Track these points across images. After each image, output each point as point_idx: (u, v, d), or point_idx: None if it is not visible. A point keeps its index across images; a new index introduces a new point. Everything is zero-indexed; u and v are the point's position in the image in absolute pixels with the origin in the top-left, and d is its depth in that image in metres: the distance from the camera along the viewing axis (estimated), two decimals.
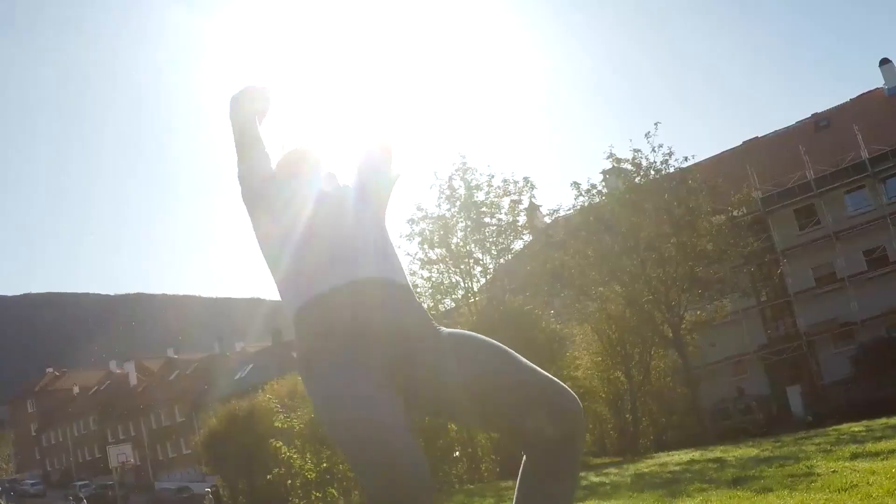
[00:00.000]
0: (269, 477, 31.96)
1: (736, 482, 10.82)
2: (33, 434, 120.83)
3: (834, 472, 9.28)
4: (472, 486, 30.70)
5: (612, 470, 22.58)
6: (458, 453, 37.08)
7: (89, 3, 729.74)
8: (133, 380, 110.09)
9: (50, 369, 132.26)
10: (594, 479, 19.79)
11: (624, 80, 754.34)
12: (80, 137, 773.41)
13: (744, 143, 67.73)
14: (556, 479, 3.03)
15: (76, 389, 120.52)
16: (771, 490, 8.91)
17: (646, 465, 21.49)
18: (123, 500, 72.63)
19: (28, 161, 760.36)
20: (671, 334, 41.90)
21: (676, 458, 22.71)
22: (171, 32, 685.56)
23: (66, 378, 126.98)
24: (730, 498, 8.69)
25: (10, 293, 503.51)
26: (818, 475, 9.39)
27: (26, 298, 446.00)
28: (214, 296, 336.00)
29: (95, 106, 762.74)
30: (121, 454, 63.67)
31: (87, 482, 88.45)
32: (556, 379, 3.13)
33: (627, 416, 42.71)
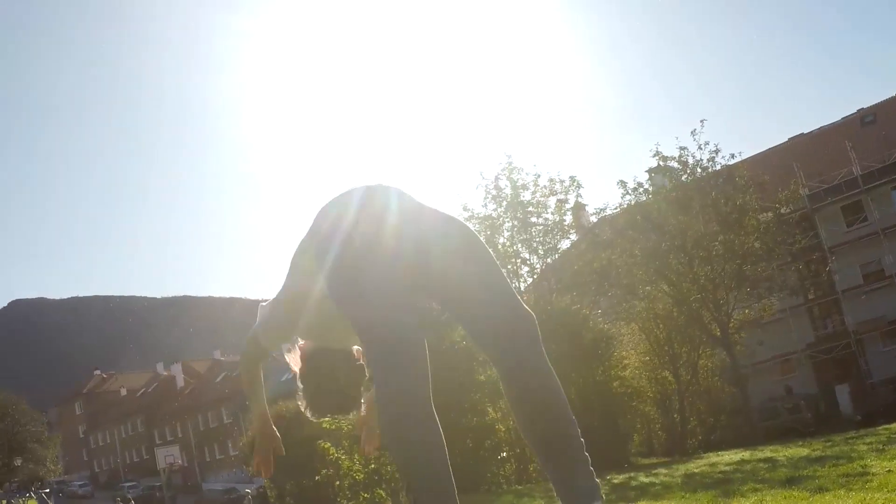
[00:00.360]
0: (316, 478, 31.92)
1: (790, 482, 10.72)
2: (81, 436, 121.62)
3: (889, 471, 9.16)
4: (520, 487, 30.64)
5: (662, 470, 22.47)
6: (505, 454, 37.01)
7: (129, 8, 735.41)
8: (180, 381, 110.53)
9: (97, 371, 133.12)
10: (644, 479, 19.69)
11: (668, 79, 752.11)
12: (126, 142, 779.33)
13: (789, 139, 67.27)
14: (536, 382, 3.17)
15: (123, 391, 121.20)
16: (827, 490, 8.80)
17: (695, 466, 21.37)
18: (171, 501, 73.01)
19: (76, 166, 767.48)
20: (719, 333, 41.67)
21: (726, 457, 22.56)
22: (214, 37, 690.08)
23: (114, 380, 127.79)
24: (785, 498, 8.59)
25: (57, 297, 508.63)
26: (873, 475, 9.27)
27: (73, 301, 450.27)
28: (260, 298, 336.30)
29: (142, 112, 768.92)
30: (168, 455, 64.01)
31: (134, 483, 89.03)
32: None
33: (675, 415, 42.53)
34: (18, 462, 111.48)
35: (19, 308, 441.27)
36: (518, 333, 3.19)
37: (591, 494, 3.02)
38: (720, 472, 17.16)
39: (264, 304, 3.97)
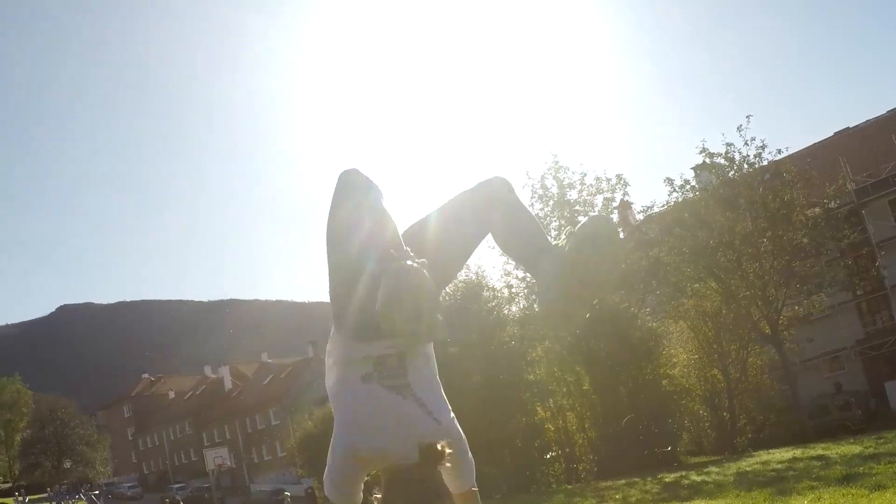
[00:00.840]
0: (366, 478, 31.94)
1: (846, 479, 10.63)
2: (130, 438, 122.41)
3: None
4: (570, 486, 30.57)
5: (713, 469, 22.34)
6: (554, 453, 36.95)
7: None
8: (228, 384, 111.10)
9: (146, 375, 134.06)
10: (695, 477, 19.61)
11: (711, 74, 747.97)
12: (170, 148, 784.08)
13: (835, 134, 66.66)
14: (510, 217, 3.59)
15: (172, 394, 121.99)
16: (885, 487, 8.73)
17: (747, 464, 21.24)
18: (220, 502, 73.39)
19: (122, 173, 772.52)
20: (769, 330, 41.42)
21: (777, 455, 22.42)
22: (256, 37, 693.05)
23: (162, 383, 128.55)
24: (843, 496, 8.53)
25: (104, 301, 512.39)
26: None
27: (120, 306, 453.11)
28: (307, 300, 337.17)
29: (191, 117, 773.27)
30: (217, 457, 64.34)
31: (183, 484, 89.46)
32: None
33: (725, 413, 42.29)
34: (68, 464, 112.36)
35: (67, 313, 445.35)
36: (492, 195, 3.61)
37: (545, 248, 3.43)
38: (773, 470, 17.05)
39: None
